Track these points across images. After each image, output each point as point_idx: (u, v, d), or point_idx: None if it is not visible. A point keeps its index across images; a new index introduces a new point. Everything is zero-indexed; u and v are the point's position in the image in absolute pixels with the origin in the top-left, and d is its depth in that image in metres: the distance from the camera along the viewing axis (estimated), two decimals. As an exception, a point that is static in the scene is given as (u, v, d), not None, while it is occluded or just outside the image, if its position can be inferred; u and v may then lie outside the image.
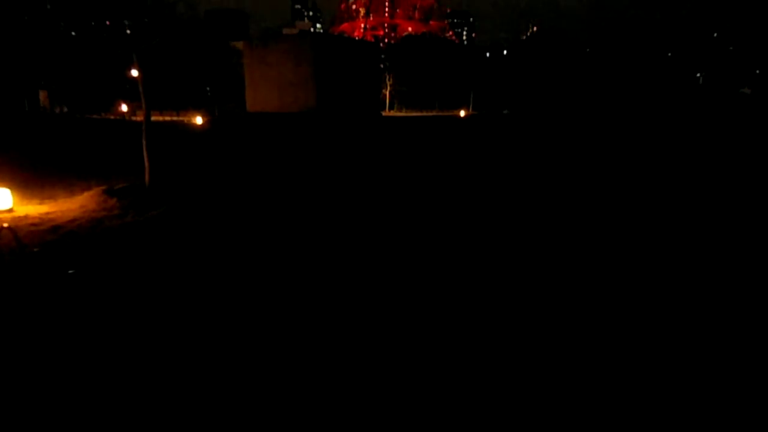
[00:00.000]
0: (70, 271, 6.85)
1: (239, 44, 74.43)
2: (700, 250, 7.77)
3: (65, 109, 66.27)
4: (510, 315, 5.40)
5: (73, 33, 77.59)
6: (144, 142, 12.58)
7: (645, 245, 8.05)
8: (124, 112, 60.51)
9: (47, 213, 10.63)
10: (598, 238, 8.50)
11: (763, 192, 12.81)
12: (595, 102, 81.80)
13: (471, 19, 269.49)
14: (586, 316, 5.38)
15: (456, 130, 39.09)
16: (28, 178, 14.45)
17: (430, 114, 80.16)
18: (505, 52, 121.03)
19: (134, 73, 13.43)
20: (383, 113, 78.68)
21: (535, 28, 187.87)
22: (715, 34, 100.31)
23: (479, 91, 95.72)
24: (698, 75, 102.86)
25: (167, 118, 54.05)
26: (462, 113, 72.46)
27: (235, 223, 9.77)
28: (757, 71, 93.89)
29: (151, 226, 9.49)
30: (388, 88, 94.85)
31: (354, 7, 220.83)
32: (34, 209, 11.02)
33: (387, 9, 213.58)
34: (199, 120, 44.63)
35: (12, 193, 11.03)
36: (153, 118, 13.55)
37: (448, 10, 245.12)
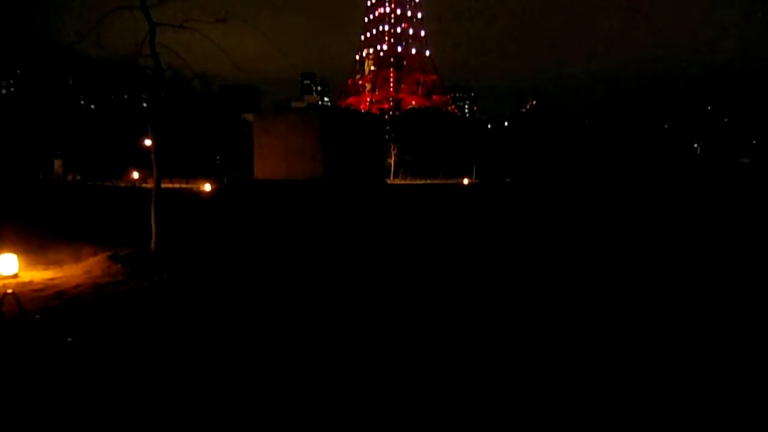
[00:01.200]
0: (69, 339, 6.74)
1: (249, 116, 77.60)
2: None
3: (78, 177, 68.08)
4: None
5: (93, 106, 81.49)
6: (152, 209, 12.78)
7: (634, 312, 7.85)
8: (135, 180, 61.98)
9: (52, 279, 10.60)
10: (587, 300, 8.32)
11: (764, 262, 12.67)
12: (594, 172, 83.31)
13: (472, 93, 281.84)
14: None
15: (460, 197, 39.64)
16: (36, 244, 14.56)
17: (434, 182, 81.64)
18: (506, 123, 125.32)
19: (147, 142, 13.93)
20: (388, 181, 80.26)
21: (534, 102, 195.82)
22: (709, 107, 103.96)
23: (482, 161, 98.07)
24: (696, 145, 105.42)
25: (177, 185, 55.26)
26: (465, 181, 73.76)
27: (237, 291, 9.68)
28: (754, 141, 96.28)
29: (153, 293, 9.41)
30: (393, 157, 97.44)
31: (360, 82, 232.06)
32: (39, 275, 11.00)
33: (392, 84, 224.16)
34: (207, 187, 45.55)
35: (18, 258, 11.07)
36: (163, 185, 13.85)
37: (450, 86, 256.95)
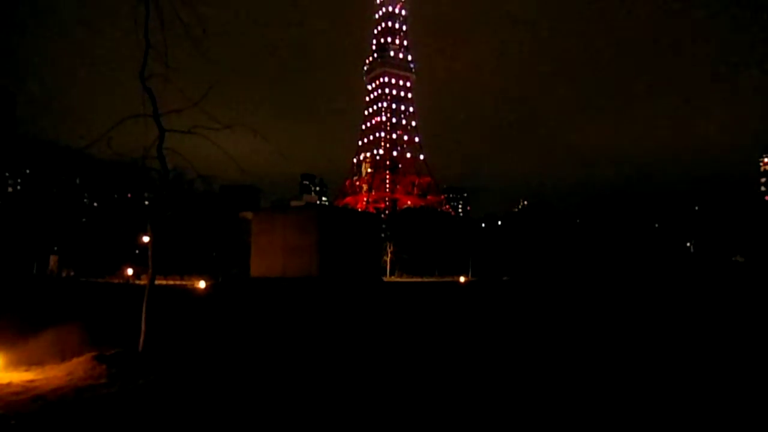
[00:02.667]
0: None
1: (248, 214, 79.10)
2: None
3: (72, 273, 67.60)
4: None
5: (95, 204, 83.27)
6: (144, 307, 12.56)
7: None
8: (129, 276, 61.53)
9: (32, 381, 10.11)
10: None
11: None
12: (589, 270, 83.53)
13: (465, 194, 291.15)
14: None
15: (456, 295, 39.24)
16: (20, 342, 14.05)
17: (430, 280, 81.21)
18: (499, 222, 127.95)
19: (145, 239, 14.11)
20: (384, 279, 79.83)
21: (525, 202, 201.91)
22: (697, 207, 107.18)
23: (477, 259, 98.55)
24: (688, 244, 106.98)
25: (171, 282, 54.71)
26: (462, 279, 73.47)
27: (225, 395, 9.22)
28: (749, 239, 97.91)
29: (137, 397, 8.94)
30: (389, 255, 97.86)
31: (358, 183, 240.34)
32: (18, 376, 10.51)
33: (388, 185, 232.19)
34: (202, 284, 45.13)
35: (0, 356, 10.65)
36: (157, 282, 13.76)
37: (444, 186, 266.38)
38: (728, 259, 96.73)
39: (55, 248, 73.72)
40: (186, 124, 12.80)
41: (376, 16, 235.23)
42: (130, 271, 62.16)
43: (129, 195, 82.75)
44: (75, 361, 11.67)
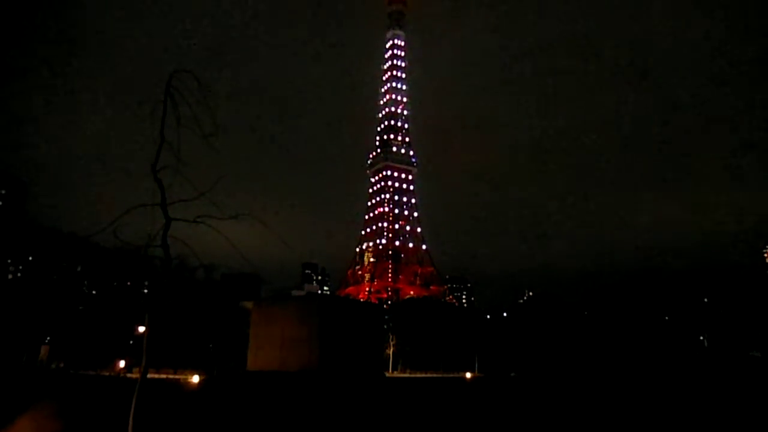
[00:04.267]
0: None
1: (249, 304, 77.58)
2: None
3: (62, 365, 65.03)
4: None
5: (94, 292, 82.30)
6: (133, 402, 11.76)
7: None
8: (120, 369, 59.10)
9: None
10: None
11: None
12: (601, 366, 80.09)
13: (468, 284, 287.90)
14: None
15: (462, 394, 37.12)
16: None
17: (434, 376, 77.57)
18: (504, 314, 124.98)
19: (141, 329, 13.64)
20: (387, 374, 76.31)
21: (530, 293, 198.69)
22: (706, 299, 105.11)
23: (483, 353, 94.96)
24: (702, 338, 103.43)
25: (163, 376, 52.27)
26: (468, 375, 70.17)
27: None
28: (764, 333, 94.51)
29: None
30: (392, 348, 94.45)
31: (360, 273, 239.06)
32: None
33: (390, 275, 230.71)
34: (195, 379, 43.07)
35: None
36: (149, 375, 13.02)
37: (447, 276, 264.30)
38: (745, 354, 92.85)
39: (48, 339, 71.69)
40: (192, 213, 12.89)
41: (380, 115, 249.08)
42: (122, 364, 59.84)
43: (129, 283, 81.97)
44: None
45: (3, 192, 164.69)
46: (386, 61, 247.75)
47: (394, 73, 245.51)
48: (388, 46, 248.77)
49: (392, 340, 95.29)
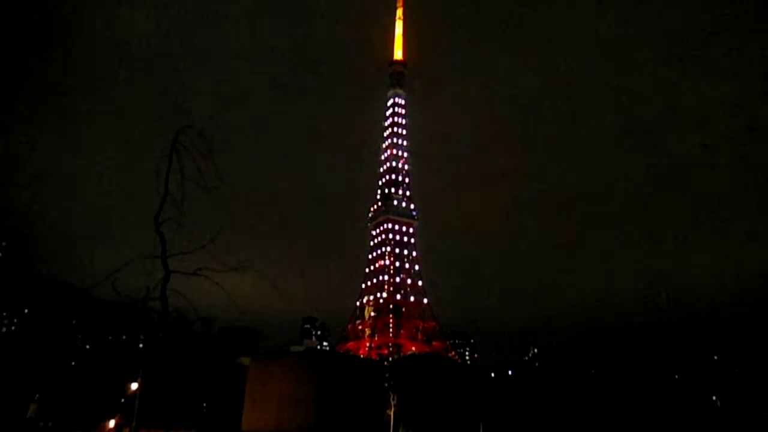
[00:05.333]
0: None
1: (246, 360, 75.57)
2: None
3: (50, 424, 62.53)
4: None
5: (88, 346, 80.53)
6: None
7: None
8: (110, 429, 56.74)
9: None
10: None
11: None
12: (611, 428, 76.89)
13: (472, 340, 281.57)
14: None
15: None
16: None
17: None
18: (510, 372, 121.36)
19: (134, 386, 13.12)
20: (387, 436, 73.06)
21: (535, 350, 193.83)
22: (715, 357, 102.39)
23: (488, 414, 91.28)
24: (714, 398, 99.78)
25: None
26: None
27: None
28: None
29: None
30: (392, 408, 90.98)
31: (360, 327, 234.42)
32: None
33: (391, 330, 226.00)
34: (187, 440, 41.17)
35: None
36: (139, 439, 12.41)
37: (449, 332, 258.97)
38: (760, 416, 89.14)
39: (37, 396, 69.38)
40: (192, 265, 12.76)
41: (381, 169, 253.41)
42: (111, 424, 57.52)
43: (124, 337, 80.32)
44: None
45: (3, 244, 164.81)
46: (387, 118, 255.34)
47: (395, 129, 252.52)
48: (389, 104, 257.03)
49: (393, 400, 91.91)
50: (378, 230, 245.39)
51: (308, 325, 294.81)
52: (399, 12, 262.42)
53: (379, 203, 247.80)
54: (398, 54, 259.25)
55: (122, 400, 66.43)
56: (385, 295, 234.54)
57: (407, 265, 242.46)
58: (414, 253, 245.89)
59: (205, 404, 76.33)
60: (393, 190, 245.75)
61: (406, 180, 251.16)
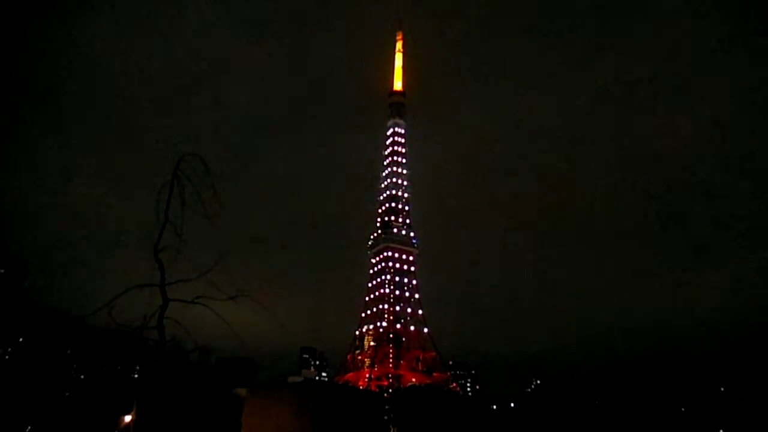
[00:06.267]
0: None
1: (242, 391, 73.94)
2: None
3: (38, 459, 60.68)
4: None
5: (82, 376, 78.99)
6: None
7: None
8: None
9: None
10: None
11: None
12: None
13: (473, 371, 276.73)
14: None
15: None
16: None
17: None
18: (512, 405, 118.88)
19: (127, 419, 12.82)
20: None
21: (537, 381, 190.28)
22: (722, 389, 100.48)
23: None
24: (721, 431, 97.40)
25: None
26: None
27: None
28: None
29: None
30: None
31: (360, 358, 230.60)
32: None
33: (391, 361, 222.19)
34: (181, 475, 39.80)
35: None
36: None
37: (450, 363, 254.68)
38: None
39: (29, 428, 67.59)
40: (190, 293, 12.65)
41: (381, 197, 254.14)
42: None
43: (119, 367, 78.85)
44: None
45: (2, 271, 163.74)
46: (387, 147, 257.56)
47: (395, 158, 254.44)
48: (389, 133, 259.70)
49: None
50: (378, 258, 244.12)
51: (307, 355, 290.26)
52: (399, 45, 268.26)
53: (379, 231, 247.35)
54: (398, 85, 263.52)
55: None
56: (384, 324, 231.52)
57: (407, 294, 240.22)
58: (414, 282, 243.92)
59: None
60: (393, 218, 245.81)
61: (406, 208, 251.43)
